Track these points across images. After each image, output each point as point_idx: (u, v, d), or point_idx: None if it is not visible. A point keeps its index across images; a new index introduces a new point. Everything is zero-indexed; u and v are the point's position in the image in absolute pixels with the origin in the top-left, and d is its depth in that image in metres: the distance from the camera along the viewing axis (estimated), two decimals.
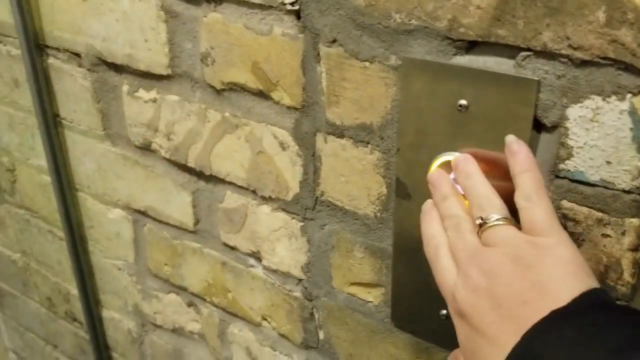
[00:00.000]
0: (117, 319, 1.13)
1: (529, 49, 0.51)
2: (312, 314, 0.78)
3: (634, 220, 0.50)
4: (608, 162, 0.50)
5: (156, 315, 1.04)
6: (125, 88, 0.87)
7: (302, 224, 0.74)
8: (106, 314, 1.15)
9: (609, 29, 0.47)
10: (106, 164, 0.97)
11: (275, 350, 0.86)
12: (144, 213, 0.95)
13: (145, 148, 0.89)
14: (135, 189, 0.94)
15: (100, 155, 0.97)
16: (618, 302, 0.53)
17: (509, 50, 0.52)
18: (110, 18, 0.83)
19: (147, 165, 0.90)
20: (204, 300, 0.93)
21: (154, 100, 0.83)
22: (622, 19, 0.46)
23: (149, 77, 0.83)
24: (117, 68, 0.87)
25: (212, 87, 0.76)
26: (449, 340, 0.64)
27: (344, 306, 0.74)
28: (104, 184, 0.99)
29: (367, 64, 0.61)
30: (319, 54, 0.64)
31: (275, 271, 0.80)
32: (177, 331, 1.02)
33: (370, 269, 0.69)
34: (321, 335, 0.78)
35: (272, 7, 0.66)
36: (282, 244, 0.77)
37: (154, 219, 0.94)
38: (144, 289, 1.03)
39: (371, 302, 0.71)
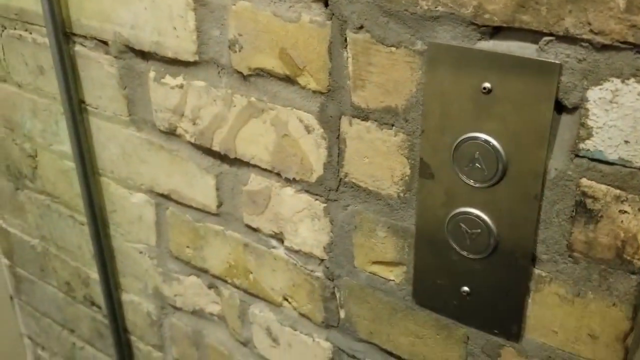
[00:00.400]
0: (136, 302, 1.16)
1: (551, 34, 0.54)
2: (333, 294, 0.81)
3: None
4: (626, 142, 0.52)
5: (176, 297, 1.07)
6: (152, 74, 0.89)
7: (325, 205, 0.77)
8: (125, 297, 1.18)
9: (628, 14, 0.49)
10: (131, 149, 1.00)
11: (295, 330, 0.89)
12: (167, 197, 0.98)
13: (171, 133, 0.91)
14: (159, 173, 0.97)
15: (125, 141, 1.00)
16: (633, 276, 0.55)
17: (532, 36, 0.55)
18: (139, 6, 0.86)
19: (172, 149, 0.93)
20: (225, 281, 0.96)
21: (181, 86, 0.86)
22: None
23: (176, 63, 0.85)
24: (144, 55, 0.89)
25: (239, 72, 0.78)
26: (470, 316, 0.67)
27: (365, 285, 0.77)
28: (127, 168, 1.02)
29: (393, 49, 0.64)
30: (345, 40, 0.67)
31: (297, 252, 0.83)
32: (196, 313, 1.05)
33: (393, 248, 0.72)
34: (342, 314, 0.81)
35: None
36: (305, 224, 0.80)
37: (177, 202, 0.97)
38: (164, 271, 1.06)
39: (393, 280, 0.74)
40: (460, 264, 0.65)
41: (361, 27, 0.65)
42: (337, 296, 0.81)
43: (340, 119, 0.71)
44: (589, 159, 0.55)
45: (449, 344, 0.71)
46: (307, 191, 0.78)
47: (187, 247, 0.99)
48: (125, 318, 1.21)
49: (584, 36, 0.52)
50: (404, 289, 0.73)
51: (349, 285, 0.79)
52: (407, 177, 0.68)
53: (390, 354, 0.77)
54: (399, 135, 0.67)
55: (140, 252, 1.09)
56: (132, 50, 0.90)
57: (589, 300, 0.59)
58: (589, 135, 0.54)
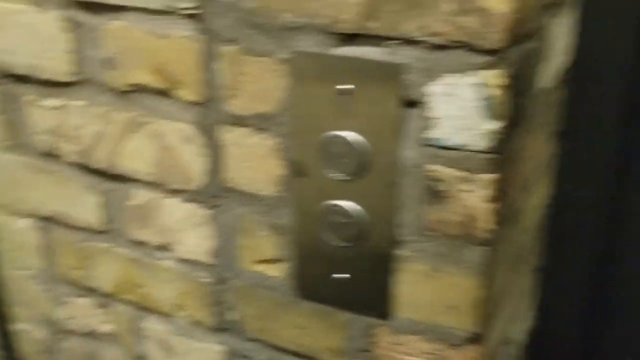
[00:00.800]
0: (27, 331, 1.14)
1: (396, 38, 0.61)
2: (222, 297, 0.85)
3: (489, 176, 0.60)
4: (464, 129, 0.60)
5: (68, 321, 1.06)
6: (29, 97, 0.90)
7: (209, 211, 0.80)
8: (16, 326, 1.16)
9: (457, 17, 0.57)
10: (12, 174, 0.99)
11: (190, 338, 0.91)
12: (51, 219, 0.98)
13: (51, 155, 0.92)
14: (43, 197, 0.97)
15: (6, 167, 0.99)
16: (479, 247, 0.63)
17: (380, 40, 0.62)
18: (14, 32, 0.87)
19: (53, 171, 0.94)
20: (116, 299, 0.97)
21: (59, 107, 0.88)
22: (469, 9, 0.56)
23: (53, 85, 0.87)
24: (21, 79, 0.90)
25: (117, 89, 0.81)
26: (348, 302, 0.73)
27: (251, 285, 0.81)
28: (10, 195, 1.01)
29: (261, 59, 0.69)
30: (217, 53, 0.72)
31: (185, 260, 0.86)
32: (90, 335, 1.04)
33: (274, 245, 0.77)
34: (232, 316, 0.85)
35: (171, 12, 0.73)
36: (191, 233, 0.83)
37: (62, 224, 0.97)
38: (54, 296, 1.06)
39: (276, 276, 0.78)
40: (335, 253, 0.71)
41: (231, 40, 0.70)
42: (227, 299, 0.84)
43: (217, 127, 0.75)
44: (434, 146, 0.62)
45: (331, 331, 0.76)
46: (190, 200, 0.82)
47: (75, 268, 0.99)
48: (17, 348, 1.19)
49: (423, 38, 0.59)
50: (286, 284, 0.78)
51: (237, 287, 0.83)
52: (282, 178, 0.73)
53: (278, 348, 0.82)
54: (272, 139, 0.72)
55: (28, 279, 1.08)
56: (9, 75, 0.91)
57: (445, 273, 0.66)
58: (433, 126, 0.61)
